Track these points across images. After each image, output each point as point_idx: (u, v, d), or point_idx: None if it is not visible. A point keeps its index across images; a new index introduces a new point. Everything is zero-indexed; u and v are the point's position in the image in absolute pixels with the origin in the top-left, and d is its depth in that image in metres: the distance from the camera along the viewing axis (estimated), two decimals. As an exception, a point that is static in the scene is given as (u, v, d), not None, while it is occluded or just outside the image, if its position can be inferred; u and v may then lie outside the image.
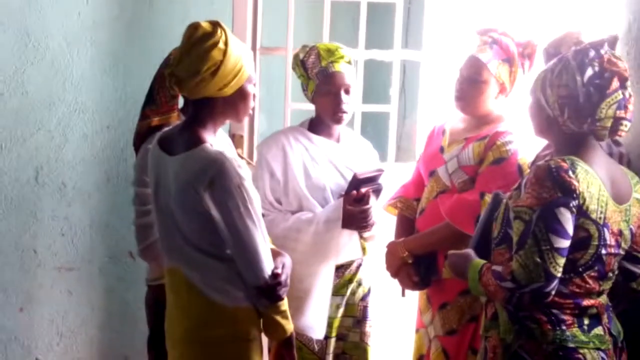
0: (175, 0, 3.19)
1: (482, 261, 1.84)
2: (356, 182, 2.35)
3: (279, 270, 1.89)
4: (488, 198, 2.21)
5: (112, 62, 3.08)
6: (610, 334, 1.82)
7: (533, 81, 1.86)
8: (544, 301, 1.74)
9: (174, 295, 1.97)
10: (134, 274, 3.16)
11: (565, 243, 1.71)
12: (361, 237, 2.44)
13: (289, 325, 1.94)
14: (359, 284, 2.50)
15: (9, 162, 2.91)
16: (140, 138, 2.35)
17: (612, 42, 1.81)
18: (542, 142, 2.20)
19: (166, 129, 2.10)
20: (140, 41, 3.13)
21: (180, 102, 2.43)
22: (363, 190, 2.34)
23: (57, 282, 3.06)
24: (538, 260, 1.69)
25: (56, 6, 2.92)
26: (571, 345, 1.75)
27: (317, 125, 2.49)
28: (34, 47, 2.90)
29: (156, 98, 2.32)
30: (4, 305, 2.95)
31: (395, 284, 2.48)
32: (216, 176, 1.81)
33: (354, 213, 2.33)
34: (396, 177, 2.71)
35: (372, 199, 2.38)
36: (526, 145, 2.28)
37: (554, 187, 1.70)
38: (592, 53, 1.76)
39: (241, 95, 1.92)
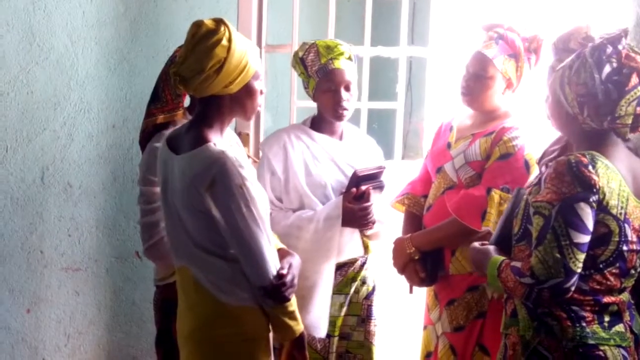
0: (180, -2, 3.18)
1: (501, 257, 1.83)
2: (356, 180, 2.33)
3: (284, 271, 1.87)
4: (495, 193, 2.20)
5: (117, 61, 3.08)
6: (632, 332, 1.80)
7: (551, 78, 1.84)
8: (563, 297, 1.72)
9: (183, 294, 1.96)
10: (141, 274, 3.16)
11: (585, 238, 1.70)
12: (363, 235, 2.43)
13: (298, 326, 1.92)
14: (363, 282, 2.48)
15: (14, 162, 2.91)
16: (146, 136, 2.34)
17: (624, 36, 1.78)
18: (550, 138, 2.18)
19: (175, 127, 2.09)
20: (145, 39, 3.12)
21: (187, 100, 2.42)
22: (363, 187, 2.33)
23: (64, 282, 3.06)
24: (557, 255, 1.68)
25: (60, 5, 2.92)
26: (591, 342, 1.74)
27: (319, 123, 2.47)
28: (39, 46, 2.90)
29: (161, 96, 2.31)
30: (11, 306, 2.95)
31: (402, 281, 2.46)
32: (217, 176, 1.80)
33: (353, 211, 2.32)
34: (403, 174, 2.69)
35: (374, 196, 2.36)
36: (533, 140, 2.26)
37: (573, 182, 1.69)
38: (609, 49, 1.73)
39: (248, 92, 1.90)
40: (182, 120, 2.31)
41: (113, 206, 3.13)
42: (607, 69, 1.72)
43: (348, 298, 2.45)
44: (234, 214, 1.81)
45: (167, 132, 2.23)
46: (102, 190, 3.10)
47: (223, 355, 1.89)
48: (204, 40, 1.84)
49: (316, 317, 2.34)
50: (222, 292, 1.87)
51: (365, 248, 2.45)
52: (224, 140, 1.92)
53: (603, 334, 1.75)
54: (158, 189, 2.19)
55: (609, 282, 1.76)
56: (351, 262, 2.44)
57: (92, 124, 3.05)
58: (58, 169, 3.00)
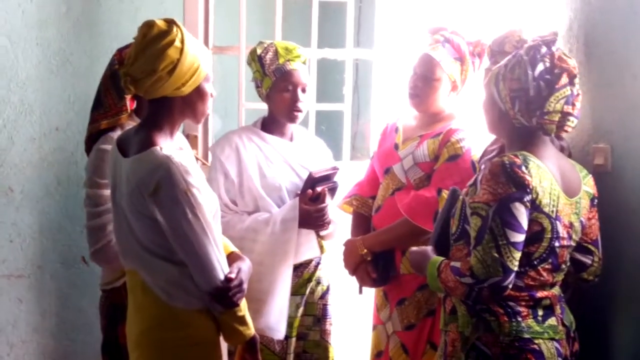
0: (125, -2, 3.13)
1: (440, 258, 1.87)
2: (312, 181, 2.35)
3: (232, 275, 1.87)
4: (445, 194, 2.24)
5: (60, 62, 3.00)
6: (563, 325, 1.87)
7: (488, 77, 1.91)
8: (502, 295, 1.78)
9: (132, 297, 1.94)
10: (87, 280, 3.09)
11: (520, 237, 1.76)
12: (318, 235, 2.45)
13: (248, 331, 1.92)
14: (318, 283, 2.50)
15: (-49, 167, 2.80)
16: (92, 142, 2.31)
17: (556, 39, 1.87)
18: (491, 138, 2.25)
19: (127, 128, 2.06)
20: (89, 40, 3.05)
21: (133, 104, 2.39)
22: (319, 189, 2.35)
23: (7, 290, 2.96)
24: (495, 255, 1.73)
25: (-2, 4, 2.83)
26: (527, 335, 1.80)
27: (270, 125, 2.48)
28: (-24, 47, 2.80)
29: (104, 101, 2.29)
30: (-50, 316, 2.84)
31: (351, 281, 2.49)
32: (162, 181, 1.78)
33: (310, 212, 2.34)
34: (351, 175, 2.73)
35: (328, 198, 2.39)
36: (477, 141, 2.32)
37: (508, 182, 1.75)
38: (543, 49, 1.81)
39: (199, 94, 1.89)
40: (128, 123, 2.28)
41: (57, 211, 3.05)
42: (540, 67, 1.79)
43: (304, 298, 2.47)
44: (179, 220, 1.80)
45: (113, 134, 2.21)
46: (46, 194, 3.02)
47: (170, 359, 1.88)
48: (156, 41, 1.82)
49: (274, 319, 2.35)
50: (170, 295, 1.86)
51: (320, 248, 2.48)
52: (173, 143, 1.90)
53: (537, 328, 1.81)
54: (105, 192, 2.16)
55: (542, 278, 1.83)
56: (306, 263, 2.46)
57: (34, 126, 2.97)
58: (-2, 173, 2.90)
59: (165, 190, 1.78)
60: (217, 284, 1.84)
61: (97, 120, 2.28)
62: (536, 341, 1.80)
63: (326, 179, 2.39)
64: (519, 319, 1.80)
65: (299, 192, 2.39)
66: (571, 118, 1.81)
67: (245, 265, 1.94)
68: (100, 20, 3.08)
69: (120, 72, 1.89)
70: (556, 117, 1.79)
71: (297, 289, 2.45)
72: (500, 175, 1.75)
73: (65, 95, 3.04)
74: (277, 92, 2.40)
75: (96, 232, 2.22)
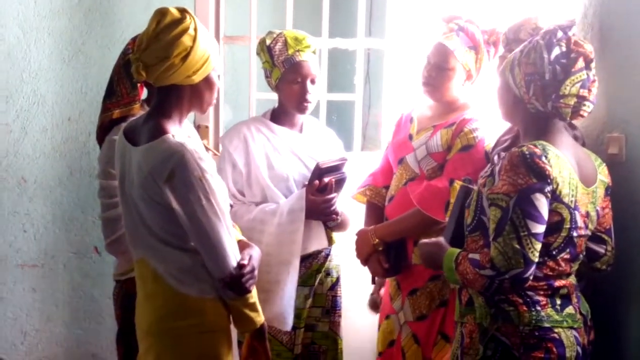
0: (137, -12, 3.13)
1: (457, 250, 1.85)
2: (319, 172, 2.34)
3: (244, 262, 1.87)
4: (457, 185, 2.23)
5: (72, 52, 3.02)
6: (580, 313, 1.86)
7: (503, 64, 1.89)
8: (522, 286, 1.76)
9: (142, 287, 1.95)
10: (99, 269, 3.12)
11: (541, 228, 1.74)
12: (327, 226, 2.45)
13: (259, 318, 1.93)
14: (327, 274, 2.50)
15: (-35, 157, 2.83)
16: (103, 131, 2.31)
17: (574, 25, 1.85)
18: (504, 127, 2.23)
19: (132, 118, 2.06)
20: (101, 30, 3.06)
21: (143, 93, 2.39)
22: (326, 179, 2.34)
23: (20, 279, 3.00)
24: (517, 246, 1.71)
25: (11, -5, 2.85)
26: (546, 325, 1.79)
27: (279, 115, 2.47)
28: (-11, 37, 2.82)
29: (116, 90, 2.28)
30: (-35, 304, 2.88)
31: (364, 272, 2.49)
32: (176, 168, 1.78)
33: (317, 203, 2.33)
34: (362, 166, 2.72)
35: (336, 188, 2.38)
36: (491, 131, 2.30)
37: (528, 173, 1.73)
38: (560, 34, 1.80)
39: (207, 83, 1.90)
40: (139, 113, 2.28)
41: (70, 201, 3.07)
42: (556, 50, 1.78)
43: (313, 290, 2.46)
44: (193, 206, 1.80)
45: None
46: (59, 184, 3.04)
47: (183, 347, 1.88)
48: (170, 28, 1.82)
49: (282, 310, 2.35)
50: (183, 283, 1.86)
51: (329, 239, 2.47)
52: (182, 131, 1.90)
53: (556, 317, 1.80)
54: (119, 183, 2.17)
55: (560, 268, 1.82)
56: (315, 254, 2.45)
57: (46, 117, 2.99)
58: (11, 164, 2.93)
59: (180, 176, 1.78)
60: (230, 270, 1.85)
61: (109, 109, 2.28)
62: (556, 330, 1.79)
63: (334, 169, 2.38)
64: (538, 308, 1.79)
65: (307, 183, 2.38)
66: (587, 103, 1.79)
67: (255, 252, 1.95)
68: (112, 10, 3.09)
69: (132, 58, 1.89)
70: (572, 101, 1.77)
71: (306, 280, 2.44)
72: (520, 166, 1.73)
73: (78, 85, 3.05)
74: (286, 84, 2.39)
75: (112, 223, 2.22)
